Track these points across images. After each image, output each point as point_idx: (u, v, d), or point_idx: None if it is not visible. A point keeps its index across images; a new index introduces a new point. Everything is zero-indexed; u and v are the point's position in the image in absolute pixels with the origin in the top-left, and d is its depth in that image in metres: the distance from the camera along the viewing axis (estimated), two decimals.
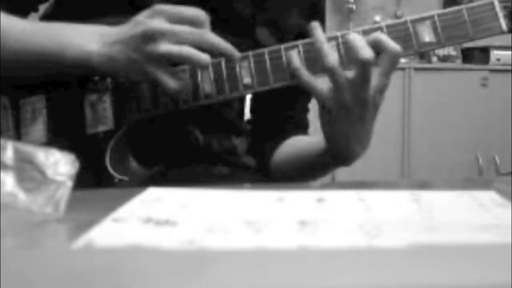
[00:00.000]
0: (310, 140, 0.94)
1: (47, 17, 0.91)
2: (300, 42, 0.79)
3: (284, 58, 0.79)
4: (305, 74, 0.77)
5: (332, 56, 0.74)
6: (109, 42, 0.76)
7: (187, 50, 0.73)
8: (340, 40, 0.78)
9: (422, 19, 0.78)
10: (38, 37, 0.79)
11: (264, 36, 0.91)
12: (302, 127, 1.00)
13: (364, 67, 0.72)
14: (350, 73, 0.74)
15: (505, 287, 0.28)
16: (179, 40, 0.73)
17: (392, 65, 0.75)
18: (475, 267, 0.30)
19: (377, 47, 0.74)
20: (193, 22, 0.74)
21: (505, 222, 0.45)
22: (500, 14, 0.78)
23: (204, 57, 0.74)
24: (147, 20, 0.73)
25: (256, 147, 1.01)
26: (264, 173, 1.00)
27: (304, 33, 0.82)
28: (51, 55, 0.77)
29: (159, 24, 0.73)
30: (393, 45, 0.74)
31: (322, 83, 0.78)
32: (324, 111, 0.80)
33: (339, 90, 0.75)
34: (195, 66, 0.77)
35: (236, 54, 0.77)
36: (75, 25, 0.80)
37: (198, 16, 0.74)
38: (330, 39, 0.77)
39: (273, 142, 0.97)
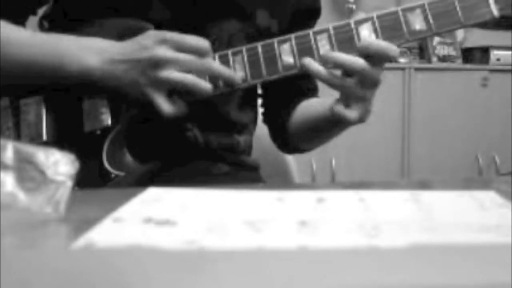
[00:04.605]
0: (319, 103, 0.96)
1: (46, 17, 0.91)
2: (293, 35, 0.81)
3: (277, 51, 0.80)
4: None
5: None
6: (112, 59, 0.77)
7: (191, 78, 0.77)
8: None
9: (412, 8, 0.80)
10: (38, 49, 0.80)
11: (265, 18, 0.92)
12: (312, 90, 1.03)
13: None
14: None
15: (505, 287, 0.28)
16: (183, 68, 0.77)
17: None
18: (475, 267, 0.30)
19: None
20: (197, 51, 0.77)
21: (505, 222, 0.45)
22: (491, 0, 0.79)
23: (207, 86, 0.78)
24: (154, 47, 0.76)
25: (271, 117, 1.04)
26: (280, 140, 1.03)
27: (301, 11, 0.83)
28: (50, 67, 0.79)
29: (165, 52, 0.76)
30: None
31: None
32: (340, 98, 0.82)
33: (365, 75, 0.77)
34: (197, 93, 0.79)
35: (238, 81, 0.80)
36: (75, 38, 0.80)
37: (202, 46, 0.78)
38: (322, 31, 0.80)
39: (287, 108, 1.00)
